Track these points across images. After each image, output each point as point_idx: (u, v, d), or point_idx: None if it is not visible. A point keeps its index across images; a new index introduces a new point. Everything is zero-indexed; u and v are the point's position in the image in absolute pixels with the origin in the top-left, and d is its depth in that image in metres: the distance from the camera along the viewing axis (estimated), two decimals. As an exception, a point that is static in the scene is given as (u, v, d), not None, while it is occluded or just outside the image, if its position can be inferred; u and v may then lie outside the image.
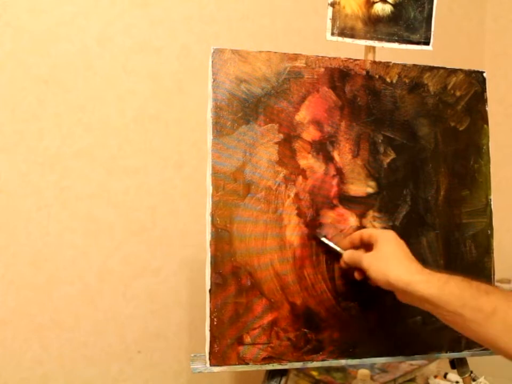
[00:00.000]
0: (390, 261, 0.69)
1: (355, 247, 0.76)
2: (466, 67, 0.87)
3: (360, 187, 0.81)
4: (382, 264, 0.69)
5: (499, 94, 1.64)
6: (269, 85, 0.78)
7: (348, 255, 0.75)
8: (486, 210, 0.86)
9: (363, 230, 0.76)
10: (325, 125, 0.80)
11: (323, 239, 0.78)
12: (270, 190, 0.77)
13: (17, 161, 1.05)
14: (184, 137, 1.23)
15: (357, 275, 0.75)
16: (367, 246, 0.74)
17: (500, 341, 0.61)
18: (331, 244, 0.77)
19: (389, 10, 0.83)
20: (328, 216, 0.79)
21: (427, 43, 0.85)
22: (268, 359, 0.76)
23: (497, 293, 0.63)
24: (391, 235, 0.73)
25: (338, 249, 0.77)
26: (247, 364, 0.75)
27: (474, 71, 0.87)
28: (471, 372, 0.87)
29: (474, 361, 0.88)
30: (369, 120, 0.82)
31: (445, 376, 1.17)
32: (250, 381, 1.29)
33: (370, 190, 0.81)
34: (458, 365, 0.86)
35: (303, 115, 0.79)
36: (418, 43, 0.85)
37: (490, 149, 0.87)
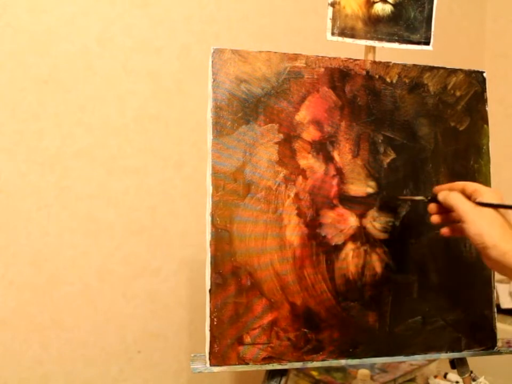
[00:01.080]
0: (492, 223, 0.65)
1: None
2: (466, 67, 0.87)
3: (360, 187, 0.81)
4: (483, 223, 0.65)
5: (499, 94, 1.64)
6: (269, 85, 0.78)
7: (445, 195, 0.70)
8: (486, 210, 0.86)
9: (467, 182, 0.71)
10: (325, 125, 0.80)
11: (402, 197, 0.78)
12: (270, 190, 0.77)
13: (17, 161, 1.05)
14: (184, 137, 1.23)
15: (445, 230, 0.72)
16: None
17: None
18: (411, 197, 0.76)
19: (389, 10, 0.83)
20: (328, 216, 0.79)
21: (427, 43, 0.85)
22: (268, 359, 0.76)
23: None
24: (498, 197, 0.67)
25: (419, 198, 0.75)
26: (247, 363, 0.75)
27: (474, 71, 0.87)
28: (471, 372, 0.87)
29: (474, 361, 0.88)
30: (369, 120, 0.82)
31: (445, 376, 1.17)
32: (250, 381, 1.29)
33: (370, 190, 0.81)
34: (458, 365, 0.86)
35: (303, 115, 0.79)
36: (418, 43, 0.85)
37: (490, 149, 0.87)
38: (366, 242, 0.80)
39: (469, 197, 0.69)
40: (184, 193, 1.23)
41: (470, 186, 0.70)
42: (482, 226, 0.65)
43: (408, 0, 0.83)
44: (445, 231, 0.73)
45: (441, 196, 0.71)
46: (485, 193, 0.67)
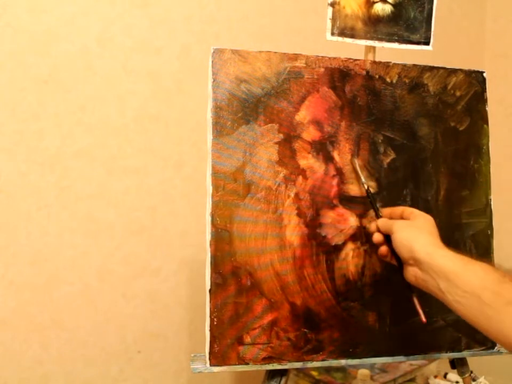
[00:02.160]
0: (420, 232, 0.70)
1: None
2: (466, 67, 0.87)
3: (360, 187, 0.81)
4: (411, 232, 0.70)
5: (499, 94, 1.64)
6: (269, 85, 0.78)
7: (382, 222, 0.75)
8: (486, 210, 0.87)
9: (406, 207, 0.77)
10: (325, 125, 0.80)
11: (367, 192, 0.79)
12: (270, 190, 0.77)
13: (17, 161, 1.05)
14: (184, 137, 1.23)
15: (382, 250, 0.75)
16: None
17: None
18: (372, 202, 0.79)
19: (389, 10, 0.83)
20: (328, 216, 0.79)
21: (427, 43, 0.85)
22: (268, 359, 0.76)
23: None
24: (430, 218, 0.73)
25: (375, 206, 0.78)
26: (247, 363, 0.75)
27: (474, 71, 0.87)
28: (471, 372, 0.87)
29: (474, 361, 0.89)
30: (369, 120, 0.82)
31: (445, 376, 1.17)
32: (250, 381, 1.29)
33: (370, 190, 0.81)
34: (458, 365, 0.86)
35: (303, 115, 0.79)
36: (418, 43, 0.85)
37: (490, 149, 0.87)
38: (366, 242, 0.80)
39: (406, 219, 0.74)
40: (184, 193, 1.23)
41: (407, 210, 0.75)
42: (409, 234, 0.70)
43: (408, 0, 0.83)
44: (381, 250, 0.76)
45: (380, 223, 0.76)
46: (418, 214, 0.73)
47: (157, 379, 1.23)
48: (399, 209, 0.76)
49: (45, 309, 1.10)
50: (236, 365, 0.75)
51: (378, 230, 0.75)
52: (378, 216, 0.77)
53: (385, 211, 0.78)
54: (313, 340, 0.77)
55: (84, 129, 1.11)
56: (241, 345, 0.75)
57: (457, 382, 1.14)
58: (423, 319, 0.71)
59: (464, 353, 0.84)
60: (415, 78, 0.85)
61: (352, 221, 0.80)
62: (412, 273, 0.69)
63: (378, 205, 0.80)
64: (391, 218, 0.76)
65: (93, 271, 1.14)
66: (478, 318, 0.61)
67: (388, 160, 0.83)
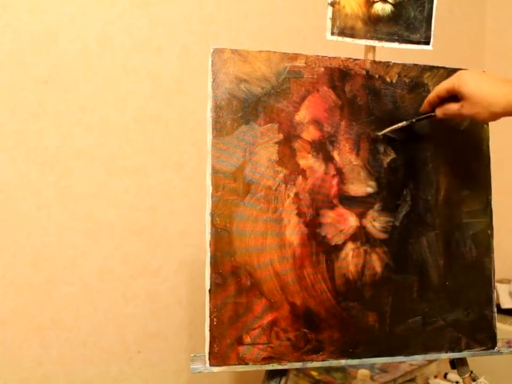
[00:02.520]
0: (487, 98, 0.70)
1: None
2: (466, 67, 0.87)
3: (360, 187, 0.81)
4: (483, 106, 0.70)
5: (499, 94, 1.64)
6: (268, 84, 0.78)
7: (444, 111, 0.76)
8: (486, 210, 0.86)
9: (436, 89, 0.77)
10: (325, 125, 0.80)
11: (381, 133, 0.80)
12: (270, 189, 0.77)
13: (17, 161, 1.05)
14: (184, 137, 1.23)
15: (439, 111, 0.77)
16: (449, 98, 0.75)
17: None
18: (395, 126, 0.80)
19: (389, 10, 0.83)
20: (328, 216, 0.79)
21: (427, 43, 0.85)
22: (268, 359, 0.76)
23: None
24: (465, 77, 0.74)
25: (408, 122, 0.79)
26: (247, 364, 0.75)
27: (474, 71, 0.87)
28: (471, 372, 0.87)
29: (474, 361, 0.88)
30: (369, 120, 0.82)
31: (445, 376, 1.17)
32: (250, 381, 1.29)
33: (370, 190, 0.81)
34: (458, 365, 0.86)
35: (303, 115, 0.79)
36: (418, 43, 0.85)
37: (490, 149, 0.87)
38: (366, 242, 0.80)
39: (456, 88, 0.74)
40: (184, 193, 1.23)
41: (441, 89, 0.75)
42: (485, 108, 0.70)
43: (408, -1, 0.83)
44: (439, 112, 0.78)
45: (439, 112, 0.77)
46: (461, 80, 0.73)
47: (156, 379, 1.23)
48: (434, 97, 0.77)
49: (45, 309, 1.09)
50: (235, 365, 0.75)
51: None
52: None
53: (423, 106, 0.80)
54: (313, 340, 0.77)
55: (83, 129, 1.11)
56: (241, 345, 0.75)
57: (457, 382, 1.14)
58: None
59: (464, 353, 0.84)
60: (415, 77, 0.84)
61: (352, 220, 0.80)
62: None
63: (377, 206, 0.80)
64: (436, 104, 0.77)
65: (93, 271, 1.14)
66: None
67: (388, 160, 0.82)
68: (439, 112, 0.77)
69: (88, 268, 1.14)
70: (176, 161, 1.22)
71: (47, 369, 1.11)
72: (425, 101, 0.79)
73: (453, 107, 0.74)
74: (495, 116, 0.71)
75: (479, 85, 0.71)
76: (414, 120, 0.79)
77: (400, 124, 0.80)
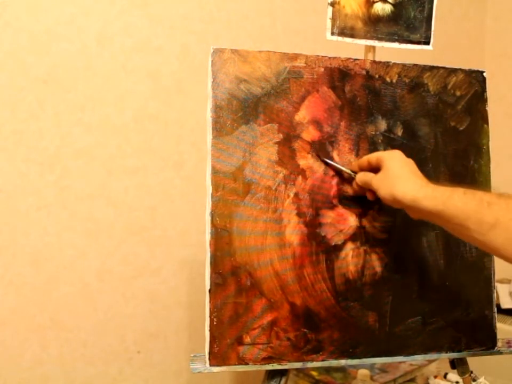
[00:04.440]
0: (396, 179, 0.71)
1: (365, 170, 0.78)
2: (466, 67, 0.87)
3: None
4: (389, 183, 0.72)
5: (499, 94, 1.64)
6: (268, 84, 0.78)
7: (360, 177, 0.77)
8: (486, 210, 0.86)
9: (369, 155, 0.78)
10: (325, 125, 0.80)
11: (328, 161, 0.79)
12: (269, 189, 0.77)
13: (17, 161, 1.05)
14: (184, 137, 1.23)
15: (369, 195, 0.78)
16: (375, 169, 0.76)
17: (502, 250, 0.64)
18: (338, 166, 0.79)
19: (389, 10, 0.83)
20: (328, 216, 0.79)
21: (427, 43, 0.85)
22: (268, 359, 0.76)
23: (500, 203, 0.65)
24: (396, 154, 0.75)
25: (346, 170, 0.79)
26: (247, 364, 0.75)
27: (474, 71, 0.87)
28: (471, 372, 0.87)
29: (474, 361, 0.88)
30: (369, 120, 0.82)
31: (445, 376, 1.17)
32: (250, 381, 1.29)
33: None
34: (458, 365, 0.86)
35: (302, 115, 0.79)
36: (418, 43, 0.85)
37: (490, 149, 0.87)
38: (365, 242, 0.80)
39: (376, 166, 0.75)
40: (184, 193, 1.23)
41: (372, 157, 0.76)
42: (388, 186, 0.72)
43: (408, -1, 0.83)
44: (368, 195, 0.78)
45: (356, 181, 0.78)
46: (384, 157, 0.74)
47: (156, 379, 1.23)
48: (364, 160, 0.77)
49: (45, 309, 1.09)
50: (235, 365, 0.75)
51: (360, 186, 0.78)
52: (349, 176, 0.79)
53: (353, 166, 0.79)
54: (313, 340, 0.77)
55: (83, 129, 1.11)
56: (241, 345, 0.75)
57: (457, 382, 1.13)
58: None
59: (464, 353, 0.84)
60: (415, 77, 0.84)
61: (351, 220, 0.80)
62: (406, 211, 0.73)
63: (376, 206, 0.80)
64: (363, 170, 0.78)
65: (92, 271, 1.14)
66: (471, 241, 0.69)
67: (388, 160, 0.82)
68: (358, 176, 0.78)
69: (87, 268, 1.14)
70: (176, 161, 1.22)
71: (47, 369, 1.11)
72: (357, 162, 0.79)
73: (369, 175, 0.75)
74: (394, 201, 0.71)
75: (400, 163, 0.73)
76: (352, 174, 0.79)
77: (344, 169, 0.79)
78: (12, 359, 1.07)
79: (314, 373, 1.13)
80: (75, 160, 1.11)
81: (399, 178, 0.71)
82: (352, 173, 0.79)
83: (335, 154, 0.80)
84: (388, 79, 0.83)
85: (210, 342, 0.74)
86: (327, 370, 1.14)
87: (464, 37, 1.76)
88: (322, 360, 0.78)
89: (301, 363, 0.77)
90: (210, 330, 0.74)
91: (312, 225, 0.78)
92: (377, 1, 0.82)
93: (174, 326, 1.24)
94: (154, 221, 1.20)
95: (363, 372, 1.01)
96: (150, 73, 1.18)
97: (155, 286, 1.21)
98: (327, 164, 0.80)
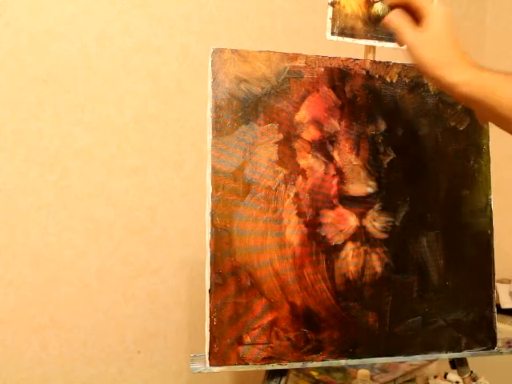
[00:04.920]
0: (439, 50, 0.61)
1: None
2: (466, 67, 0.87)
3: (360, 187, 0.81)
4: (428, 51, 0.61)
5: (499, 94, 1.64)
6: (268, 84, 0.78)
7: (393, 18, 0.65)
8: (486, 210, 0.86)
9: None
10: (325, 125, 0.80)
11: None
12: (270, 189, 0.77)
13: (17, 160, 1.05)
14: (183, 137, 1.22)
15: (398, 43, 0.67)
16: (413, 15, 0.64)
17: None
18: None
19: (389, 10, 0.82)
20: (328, 216, 0.79)
21: (427, 43, 0.85)
22: (268, 359, 0.76)
23: None
24: (445, 13, 0.63)
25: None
26: (247, 364, 0.75)
27: (474, 71, 0.87)
28: (471, 372, 0.87)
29: (474, 361, 0.88)
30: (369, 119, 0.82)
31: (445, 376, 1.17)
32: (250, 381, 1.29)
33: (370, 190, 0.81)
34: (458, 365, 0.86)
35: (303, 115, 0.79)
36: (418, 43, 0.84)
37: (490, 149, 0.87)
38: (366, 242, 0.80)
39: (415, 13, 0.64)
40: (184, 193, 1.23)
41: (416, 1, 0.64)
42: (426, 54, 0.62)
43: None
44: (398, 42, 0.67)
45: (387, 19, 0.67)
46: (430, 12, 0.62)
47: (156, 379, 1.23)
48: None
49: (45, 309, 1.09)
50: (235, 365, 0.75)
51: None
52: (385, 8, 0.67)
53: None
54: (313, 340, 0.77)
55: (83, 128, 1.11)
56: (241, 345, 0.75)
57: (457, 382, 1.13)
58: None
59: (464, 353, 0.84)
60: (415, 77, 0.84)
61: (352, 220, 0.80)
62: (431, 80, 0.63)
63: (377, 206, 0.80)
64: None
65: (92, 271, 1.14)
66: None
67: (388, 160, 0.82)
68: (392, 16, 0.65)
69: (87, 268, 1.13)
70: (176, 161, 1.22)
71: (47, 369, 1.11)
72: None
73: (404, 23, 0.63)
74: (426, 73, 0.61)
75: (448, 31, 0.62)
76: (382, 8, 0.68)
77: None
78: (12, 359, 1.07)
79: (314, 373, 1.13)
80: (75, 160, 1.11)
81: (441, 51, 0.61)
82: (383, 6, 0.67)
83: (335, 153, 0.80)
84: (388, 79, 0.83)
85: (210, 342, 0.74)
86: (327, 370, 1.14)
87: (464, 37, 1.76)
88: (322, 360, 0.78)
89: (301, 363, 0.77)
90: (210, 330, 0.74)
91: (312, 225, 0.78)
92: (377, 1, 0.82)
93: (174, 326, 1.24)
94: (154, 221, 1.20)
95: (363, 372, 1.01)
96: (150, 73, 1.18)
97: (155, 286, 1.21)
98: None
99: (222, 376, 1.30)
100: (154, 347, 1.22)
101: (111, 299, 1.16)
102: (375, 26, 0.82)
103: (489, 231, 0.86)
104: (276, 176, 0.78)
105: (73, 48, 1.09)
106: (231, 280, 0.75)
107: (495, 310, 0.86)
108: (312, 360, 0.77)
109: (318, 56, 0.81)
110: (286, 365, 0.77)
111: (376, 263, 0.81)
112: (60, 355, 1.12)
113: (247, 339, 0.75)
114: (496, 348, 0.85)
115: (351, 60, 0.82)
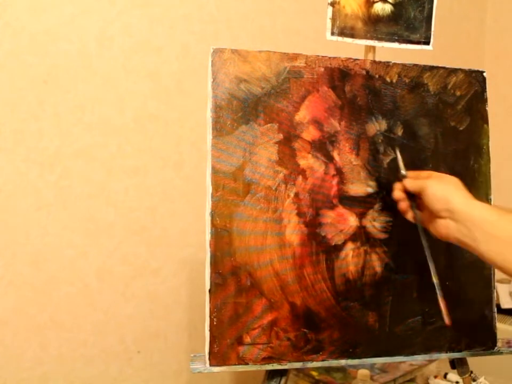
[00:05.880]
0: (455, 186, 0.70)
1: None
2: (466, 67, 0.87)
3: (360, 187, 0.81)
4: (446, 186, 0.71)
5: (499, 94, 1.64)
6: (268, 84, 0.78)
7: (411, 181, 0.75)
8: (486, 210, 0.86)
9: (433, 172, 0.77)
10: (325, 125, 0.80)
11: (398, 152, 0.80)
12: (270, 189, 0.77)
13: (17, 160, 1.05)
14: (183, 137, 1.23)
15: (403, 205, 0.76)
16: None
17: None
18: (400, 161, 0.79)
19: (389, 10, 0.83)
20: (328, 216, 0.79)
21: (427, 43, 0.85)
22: (268, 359, 0.76)
23: None
24: (458, 179, 0.73)
25: (402, 166, 0.78)
26: (247, 364, 0.75)
27: (474, 71, 0.87)
28: (471, 372, 0.87)
29: (474, 361, 0.88)
30: (370, 120, 0.82)
31: (445, 376, 1.17)
32: (250, 381, 1.29)
33: (370, 190, 0.81)
34: (458, 365, 0.86)
35: (303, 115, 0.79)
36: (418, 43, 0.85)
37: (490, 149, 0.87)
38: (366, 242, 0.80)
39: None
40: (184, 193, 1.23)
41: (434, 173, 0.75)
42: (443, 188, 0.70)
43: (408, -1, 0.83)
44: (403, 205, 0.77)
45: (409, 183, 0.76)
46: (447, 176, 0.74)
47: (156, 379, 1.23)
48: (425, 172, 0.77)
49: (45, 309, 1.09)
50: (235, 365, 0.75)
51: (405, 190, 0.76)
52: (402, 176, 0.77)
53: (411, 173, 0.78)
54: (313, 340, 0.77)
55: (83, 129, 1.11)
56: (241, 345, 0.75)
57: (457, 382, 1.13)
58: (447, 321, 0.72)
59: (464, 353, 0.84)
60: (415, 77, 0.84)
61: (352, 220, 0.80)
62: (443, 225, 0.70)
63: (377, 206, 0.80)
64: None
65: (92, 271, 1.14)
66: None
67: (388, 160, 0.82)
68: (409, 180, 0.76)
69: (87, 268, 1.13)
70: (176, 161, 1.22)
71: (47, 369, 1.10)
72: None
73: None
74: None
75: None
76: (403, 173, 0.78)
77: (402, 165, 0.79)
78: (12, 359, 1.07)
79: (314, 373, 1.13)
80: (75, 160, 1.11)
81: (457, 186, 0.71)
82: (404, 173, 0.77)
83: (335, 153, 0.80)
84: (388, 79, 0.83)
85: (210, 342, 0.74)
86: (327, 370, 1.14)
87: (464, 37, 1.76)
88: (322, 360, 0.78)
89: (301, 363, 0.77)
90: (210, 330, 0.74)
91: (312, 225, 0.78)
92: (377, 1, 0.82)
93: (174, 326, 1.24)
94: (154, 221, 1.20)
95: (363, 372, 1.01)
96: (150, 73, 1.18)
97: (155, 286, 1.21)
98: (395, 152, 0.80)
99: (222, 376, 1.30)
100: (154, 347, 1.22)
101: (111, 299, 1.16)
102: (375, 26, 0.82)
103: (489, 231, 0.86)
104: (276, 176, 0.78)
105: (73, 48, 1.09)
106: (231, 280, 0.75)
107: (495, 310, 0.86)
108: (312, 360, 0.77)
109: (318, 56, 0.81)
110: (286, 365, 0.77)
111: (376, 263, 0.81)
112: (59, 355, 1.12)
113: (247, 339, 0.75)
114: (496, 347, 0.85)
115: (351, 60, 0.82)
